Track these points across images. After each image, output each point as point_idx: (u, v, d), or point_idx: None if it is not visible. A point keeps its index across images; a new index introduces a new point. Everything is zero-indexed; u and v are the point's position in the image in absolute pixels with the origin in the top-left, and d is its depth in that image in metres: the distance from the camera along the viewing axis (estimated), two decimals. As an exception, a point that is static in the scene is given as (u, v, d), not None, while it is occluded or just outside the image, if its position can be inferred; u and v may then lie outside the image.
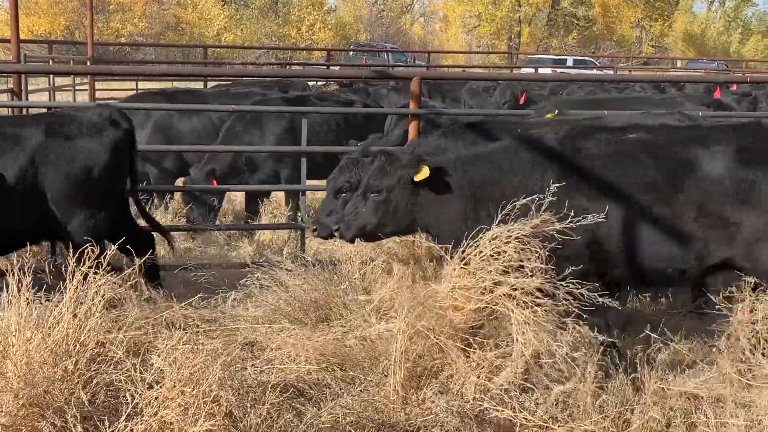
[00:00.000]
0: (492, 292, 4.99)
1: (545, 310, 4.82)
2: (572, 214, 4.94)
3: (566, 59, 35.76)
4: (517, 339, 4.81)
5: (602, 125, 6.17)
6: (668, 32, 55.89)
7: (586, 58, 36.83)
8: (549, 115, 7.17)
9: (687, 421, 4.66)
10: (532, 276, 4.82)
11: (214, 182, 8.88)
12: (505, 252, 4.88)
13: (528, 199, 4.97)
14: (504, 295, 4.93)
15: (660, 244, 5.11)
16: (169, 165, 9.96)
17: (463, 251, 5.00)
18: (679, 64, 43.42)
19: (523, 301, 4.86)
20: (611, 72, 29.04)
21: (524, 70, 29.21)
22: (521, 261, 4.85)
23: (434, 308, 4.94)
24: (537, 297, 4.83)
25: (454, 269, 5.03)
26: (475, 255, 4.96)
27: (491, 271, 4.90)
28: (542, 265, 4.83)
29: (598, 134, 5.46)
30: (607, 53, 45.60)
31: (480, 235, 5.00)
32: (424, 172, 5.20)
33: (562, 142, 5.37)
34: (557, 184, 5.00)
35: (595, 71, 30.36)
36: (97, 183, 5.84)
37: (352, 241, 5.79)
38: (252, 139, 9.32)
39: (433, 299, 5.01)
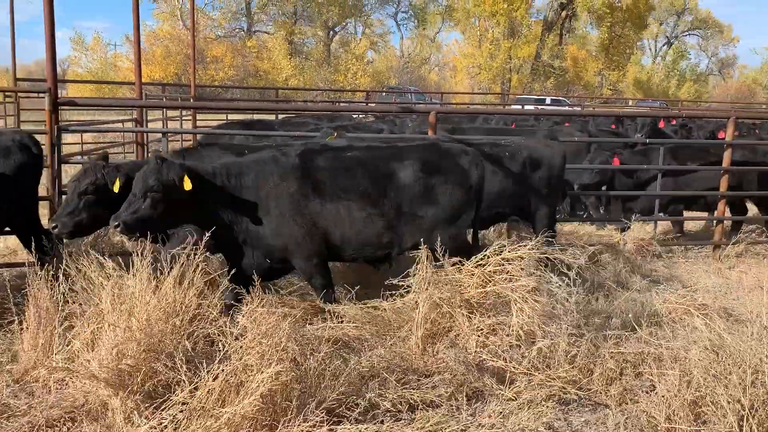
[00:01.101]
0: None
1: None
2: (308, 213, 5.15)
3: (545, 98, 35.38)
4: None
5: (331, 145, 5.95)
6: (623, 79, 55.17)
7: (561, 98, 36.42)
8: (329, 138, 6.88)
9: (635, 372, 4.63)
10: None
11: None
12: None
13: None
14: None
15: (371, 234, 5.34)
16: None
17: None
18: (630, 102, 42.82)
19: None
20: (579, 108, 28.71)
21: (513, 107, 29.01)
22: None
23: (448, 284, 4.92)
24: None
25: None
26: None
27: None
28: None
29: (326, 152, 5.40)
30: (576, 95, 45.08)
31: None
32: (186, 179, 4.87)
33: (300, 156, 5.27)
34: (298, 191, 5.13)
35: (566, 108, 30.02)
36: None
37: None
38: None
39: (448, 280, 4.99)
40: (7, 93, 16.99)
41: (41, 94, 6.62)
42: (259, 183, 5.16)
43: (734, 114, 9.30)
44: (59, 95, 6.88)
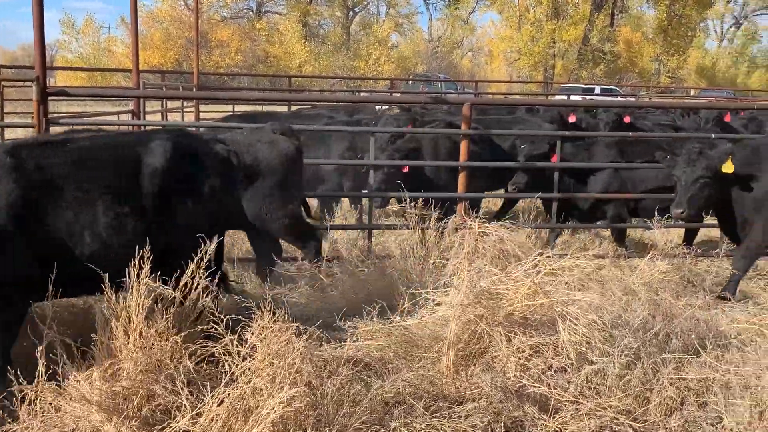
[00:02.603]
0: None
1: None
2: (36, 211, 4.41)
3: (594, 88, 35.18)
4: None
5: (50, 138, 5.29)
6: (683, 65, 54.71)
7: (612, 87, 36.19)
8: None
9: (699, 401, 4.58)
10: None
11: None
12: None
13: None
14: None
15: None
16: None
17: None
18: (692, 92, 42.43)
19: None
20: (633, 99, 28.52)
21: (558, 97, 28.88)
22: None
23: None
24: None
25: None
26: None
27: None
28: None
29: (42, 146, 4.70)
30: (629, 83, 44.79)
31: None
32: None
33: (11, 153, 4.55)
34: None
35: (619, 98, 29.84)
36: None
37: None
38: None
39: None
40: (-11, 81, 17.29)
41: (28, 83, 6.75)
42: None
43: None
44: (48, 84, 6.98)
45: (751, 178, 6.95)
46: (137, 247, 4.39)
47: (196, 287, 4.61)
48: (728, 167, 6.77)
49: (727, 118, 11.57)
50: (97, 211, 4.52)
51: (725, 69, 63.39)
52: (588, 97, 29.49)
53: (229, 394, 3.75)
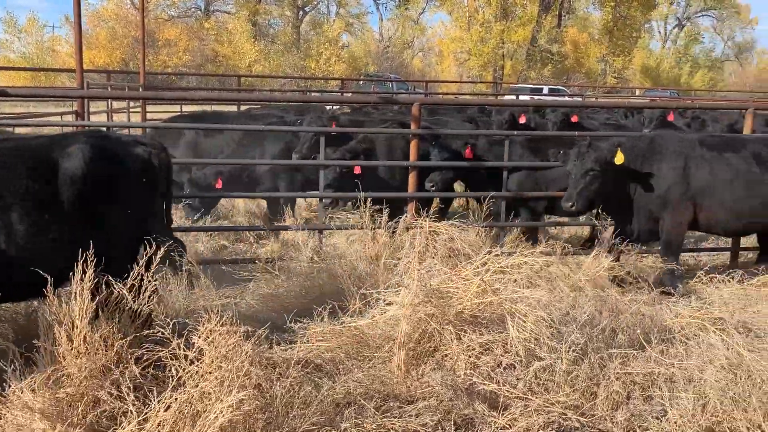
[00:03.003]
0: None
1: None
2: None
3: (542, 88, 35.66)
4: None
5: None
6: (628, 66, 55.83)
7: (559, 87, 36.73)
8: None
9: (645, 395, 4.67)
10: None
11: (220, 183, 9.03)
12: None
13: None
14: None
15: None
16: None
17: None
18: (637, 92, 43.30)
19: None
20: (580, 99, 28.98)
21: (507, 97, 29.19)
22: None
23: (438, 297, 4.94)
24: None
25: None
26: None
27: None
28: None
29: None
30: (576, 83, 45.53)
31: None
32: None
33: None
34: None
35: (566, 98, 30.30)
36: None
37: None
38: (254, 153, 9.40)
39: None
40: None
41: (-34, 83, 6.56)
42: None
43: (753, 105, 9.46)
44: (-13, 84, 6.78)
45: (650, 170, 7.15)
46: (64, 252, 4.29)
47: (144, 291, 4.55)
48: (619, 158, 6.93)
49: (671, 118, 11.83)
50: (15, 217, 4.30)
51: (669, 69, 64.83)
52: (536, 97, 29.85)
53: (176, 398, 3.69)
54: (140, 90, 16.35)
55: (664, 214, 7.16)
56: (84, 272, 4.20)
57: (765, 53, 77.66)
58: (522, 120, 11.37)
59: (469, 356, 4.79)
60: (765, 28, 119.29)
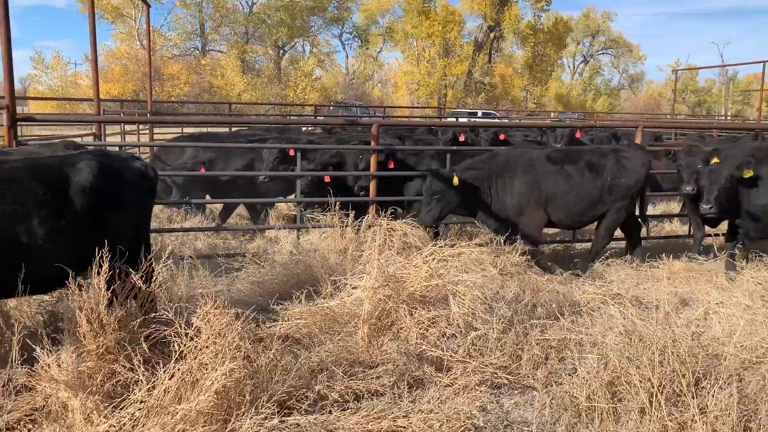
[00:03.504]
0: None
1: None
2: None
3: (477, 111, 35.88)
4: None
5: None
6: (545, 93, 56.55)
7: (491, 111, 36.99)
8: None
9: (559, 356, 4.73)
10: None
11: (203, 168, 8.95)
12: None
13: None
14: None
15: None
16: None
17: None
18: (552, 115, 43.87)
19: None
20: (506, 120, 29.24)
21: (449, 119, 29.32)
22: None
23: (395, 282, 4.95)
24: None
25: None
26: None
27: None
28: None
29: None
30: (504, 108, 45.94)
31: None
32: None
33: None
34: None
35: (496, 120, 30.55)
36: None
37: None
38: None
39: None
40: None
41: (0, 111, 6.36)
42: None
43: (642, 123, 9.65)
44: (19, 111, 6.60)
45: (499, 186, 7.11)
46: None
47: (153, 280, 4.47)
48: (455, 181, 6.92)
49: (578, 135, 11.99)
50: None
51: (577, 96, 65.79)
52: (472, 119, 30.04)
53: (179, 369, 3.64)
54: (148, 115, 16.02)
55: (519, 219, 7.14)
56: (100, 266, 4.11)
57: (651, 83, 79.49)
58: (462, 138, 11.42)
59: (420, 329, 4.80)
60: (652, 63, 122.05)
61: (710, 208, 6.85)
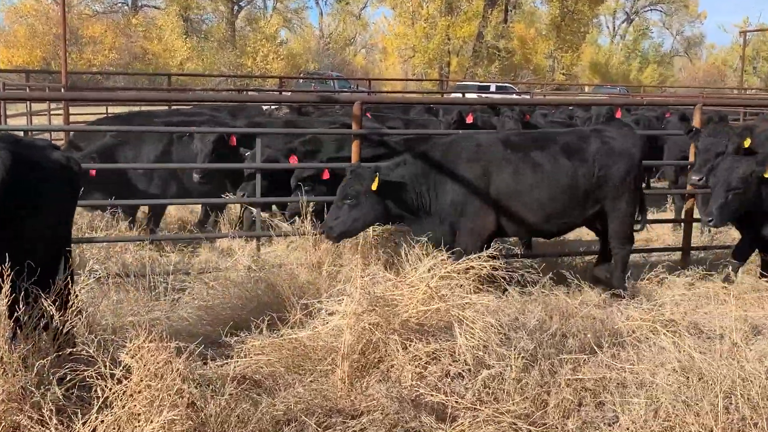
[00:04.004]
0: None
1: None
2: None
3: (489, 85, 36.09)
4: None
5: None
6: (577, 62, 56.88)
7: (507, 85, 37.24)
8: None
9: (596, 401, 4.75)
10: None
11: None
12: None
13: None
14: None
15: None
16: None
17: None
18: (586, 89, 44.17)
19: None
20: (528, 96, 29.42)
21: (453, 95, 29.46)
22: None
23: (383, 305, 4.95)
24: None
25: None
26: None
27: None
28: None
29: None
30: (524, 80, 46.22)
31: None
32: None
33: None
34: None
35: (513, 95, 30.73)
36: None
37: None
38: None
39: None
40: None
41: None
42: None
43: (701, 99, 9.73)
44: None
45: (438, 183, 6.94)
46: None
47: (70, 306, 4.44)
48: (375, 185, 6.70)
49: (618, 114, 12.09)
50: None
51: (618, 65, 66.32)
52: (483, 95, 30.20)
53: (102, 421, 3.62)
54: (62, 91, 15.97)
55: (459, 223, 7.03)
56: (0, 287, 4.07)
57: (713, 48, 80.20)
58: (469, 119, 11.48)
59: (416, 366, 4.81)
60: (714, 23, 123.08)
61: (710, 221, 6.92)
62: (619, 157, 7.21)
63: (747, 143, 7.42)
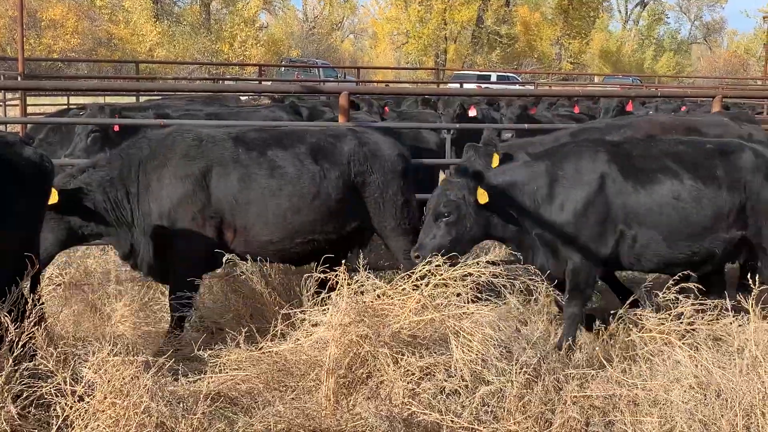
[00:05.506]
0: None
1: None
2: None
3: (490, 75, 36.16)
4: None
5: None
6: (586, 49, 57.05)
7: (509, 74, 37.31)
8: None
9: (605, 420, 4.77)
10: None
11: None
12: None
13: None
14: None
15: None
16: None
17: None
18: (596, 79, 44.30)
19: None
20: (532, 86, 29.49)
21: (450, 86, 29.49)
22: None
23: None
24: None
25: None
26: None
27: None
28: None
29: None
30: (528, 69, 46.32)
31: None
32: None
33: None
34: None
35: (516, 86, 30.81)
36: None
37: None
38: None
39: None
40: None
41: None
42: None
43: (721, 91, 9.79)
44: None
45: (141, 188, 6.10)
46: None
47: (28, 316, 4.43)
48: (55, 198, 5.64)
49: (629, 107, 12.13)
50: None
51: (631, 53, 66.53)
52: (483, 86, 30.26)
53: (62, 442, 3.62)
54: (18, 79, 15.91)
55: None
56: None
57: (735, 34, 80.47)
58: (472, 113, 11.47)
59: (408, 382, 4.81)
60: (735, 7, 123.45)
61: None
62: (378, 161, 6.46)
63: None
